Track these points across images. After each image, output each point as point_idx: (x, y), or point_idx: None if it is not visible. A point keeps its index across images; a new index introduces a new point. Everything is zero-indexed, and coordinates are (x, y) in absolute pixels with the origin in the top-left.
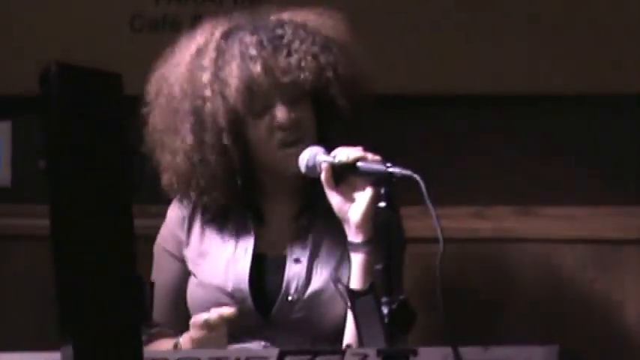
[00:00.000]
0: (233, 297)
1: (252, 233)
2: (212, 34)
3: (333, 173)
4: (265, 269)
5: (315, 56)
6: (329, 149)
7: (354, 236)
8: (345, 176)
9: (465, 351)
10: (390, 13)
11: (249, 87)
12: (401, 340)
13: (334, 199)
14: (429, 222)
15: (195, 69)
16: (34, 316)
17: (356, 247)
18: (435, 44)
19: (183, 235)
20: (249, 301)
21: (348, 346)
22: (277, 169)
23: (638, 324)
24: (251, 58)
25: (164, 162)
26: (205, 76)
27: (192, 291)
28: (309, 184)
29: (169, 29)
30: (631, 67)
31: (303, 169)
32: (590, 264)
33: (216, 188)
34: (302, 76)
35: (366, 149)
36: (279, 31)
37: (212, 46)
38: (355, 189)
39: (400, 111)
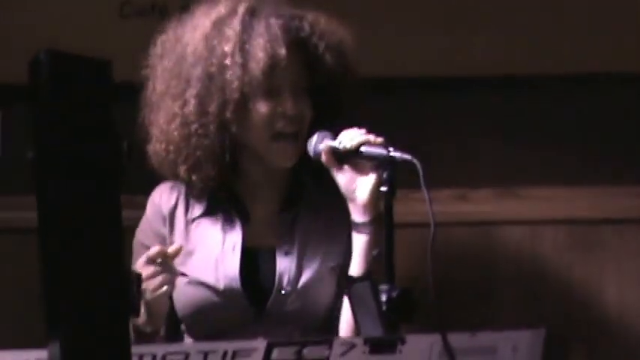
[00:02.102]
0: (224, 295)
1: (240, 229)
2: (236, 8)
3: (338, 156)
4: (256, 264)
5: (331, 52)
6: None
7: (360, 215)
8: (350, 159)
9: (452, 337)
10: None
11: (273, 65)
12: (400, 328)
13: (341, 178)
14: (414, 206)
15: (216, 36)
16: (21, 312)
17: (361, 227)
18: (415, 28)
19: (166, 233)
20: (243, 298)
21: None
22: (266, 159)
23: (617, 303)
24: (277, 39)
25: (156, 128)
26: (228, 46)
27: (182, 290)
28: (294, 175)
29: (158, 16)
30: (608, 48)
31: (311, 153)
32: (571, 244)
33: (209, 165)
34: (315, 69)
35: (368, 131)
36: (297, 23)
37: (237, 19)
38: (361, 168)
39: (384, 94)
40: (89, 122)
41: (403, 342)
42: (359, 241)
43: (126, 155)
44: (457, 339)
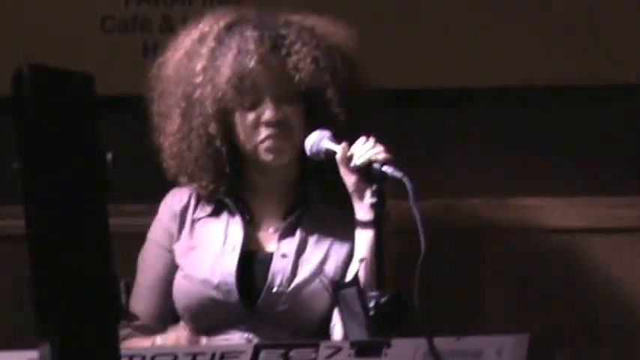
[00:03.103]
0: (218, 289)
1: (242, 230)
2: (216, 24)
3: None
4: (252, 265)
5: (315, 59)
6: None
7: (365, 214)
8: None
9: (437, 341)
10: (368, 5)
11: (241, 79)
12: (388, 333)
13: (350, 177)
14: (404, 214)
15: (193, 55)
16: (11, 315)
17: (366, 224)
18: (410, 38)
19: (175, 229)
20: (235, 293)
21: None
22: (260, 160)
23: (606, 311)
24: (248, 52)
25: (161, 146)
26: (200, 64)
27: (178, 283)
28: (298, 182)
29: (139, 30)
30: (598, 60)
31: (307, 152)
32: (560, 253)
33: (204, 175)
34: (297, 77)
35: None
36: (284, 31)
37: (212, 35)
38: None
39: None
40: (73, 134)
41: (389, 345)
42: (364, 238)
43: (110, 166)
44: (442, 343)
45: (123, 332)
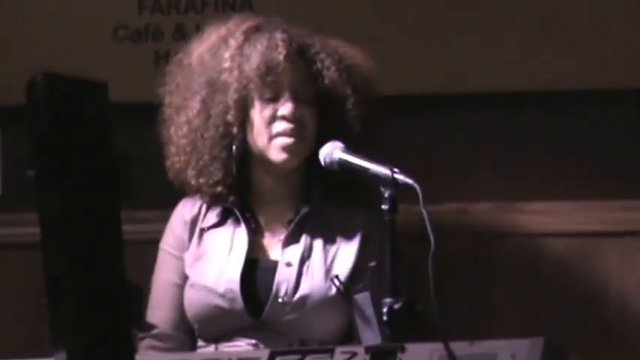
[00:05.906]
0: (223, 298)
1: (247, 238)
2: (244, 23)
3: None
4: (258, 273)
5: (339, 70)
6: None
7: None
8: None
9: (451, 345)
10: (375, 12)
11: (268, 70)
12: (403, 339)
13: None
14: (413, 219)
15: (220, 47)
16: (25, 324)
17: None
18: (419, 44)
19: (186, 237)
20: (240, 301)
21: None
22: (268, 159)
23: (619, 314)
24: (277, 46)
25: (170, 142)
26: (228, 53)
27: (186, 292)
28: (304, 189)
29: (152, 39)
30: (613, 64)
31: (321, 162)
32: (571, 257)
33: (215, 168)
34: (320, 82)
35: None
36: (309, 41)
37: (241, 31)
38: None
39: (386, 110)
40: (86, 142)
41: (403, 350)
42: None
43: (122, 172)
44: (456, 347)
45: (142, 344)
